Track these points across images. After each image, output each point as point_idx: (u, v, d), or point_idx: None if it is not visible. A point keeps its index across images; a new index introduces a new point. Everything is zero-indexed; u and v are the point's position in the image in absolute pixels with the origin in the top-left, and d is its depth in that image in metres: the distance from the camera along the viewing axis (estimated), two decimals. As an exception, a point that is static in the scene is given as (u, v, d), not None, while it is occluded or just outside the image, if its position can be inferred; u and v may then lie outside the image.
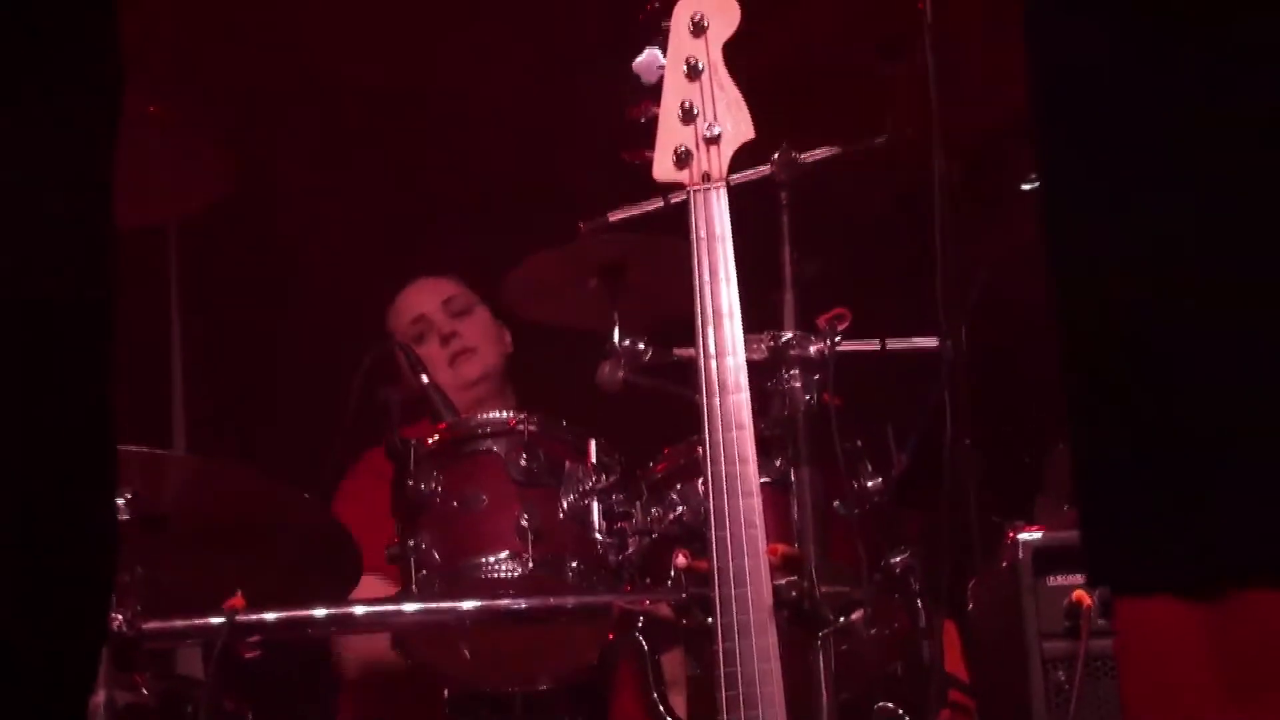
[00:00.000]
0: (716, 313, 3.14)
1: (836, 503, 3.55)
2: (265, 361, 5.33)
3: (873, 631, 3.44)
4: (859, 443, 3.65)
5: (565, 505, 3.61)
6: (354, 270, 5.18)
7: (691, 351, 3.16)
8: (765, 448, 3.42)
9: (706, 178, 3.21)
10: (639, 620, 3.55)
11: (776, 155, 3.63)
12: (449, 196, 5.28)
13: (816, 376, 3.55)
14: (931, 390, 3.53)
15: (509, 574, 3.54)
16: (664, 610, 3.53)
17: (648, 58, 3.23)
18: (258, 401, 5.36)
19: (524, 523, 3.56)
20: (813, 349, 3.57)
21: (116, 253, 1.78)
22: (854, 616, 3.35)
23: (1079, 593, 3.35)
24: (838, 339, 3.57)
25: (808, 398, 3.54)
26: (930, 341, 3.62)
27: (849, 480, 3.57)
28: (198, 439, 5.11)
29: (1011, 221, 3.93)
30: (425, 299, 4.67)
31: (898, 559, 3.56)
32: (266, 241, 5.29)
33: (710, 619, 3.05)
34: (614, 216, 3.82)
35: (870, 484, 3.64)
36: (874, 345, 3.70)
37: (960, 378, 3.48)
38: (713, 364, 3.13)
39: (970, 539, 3.47)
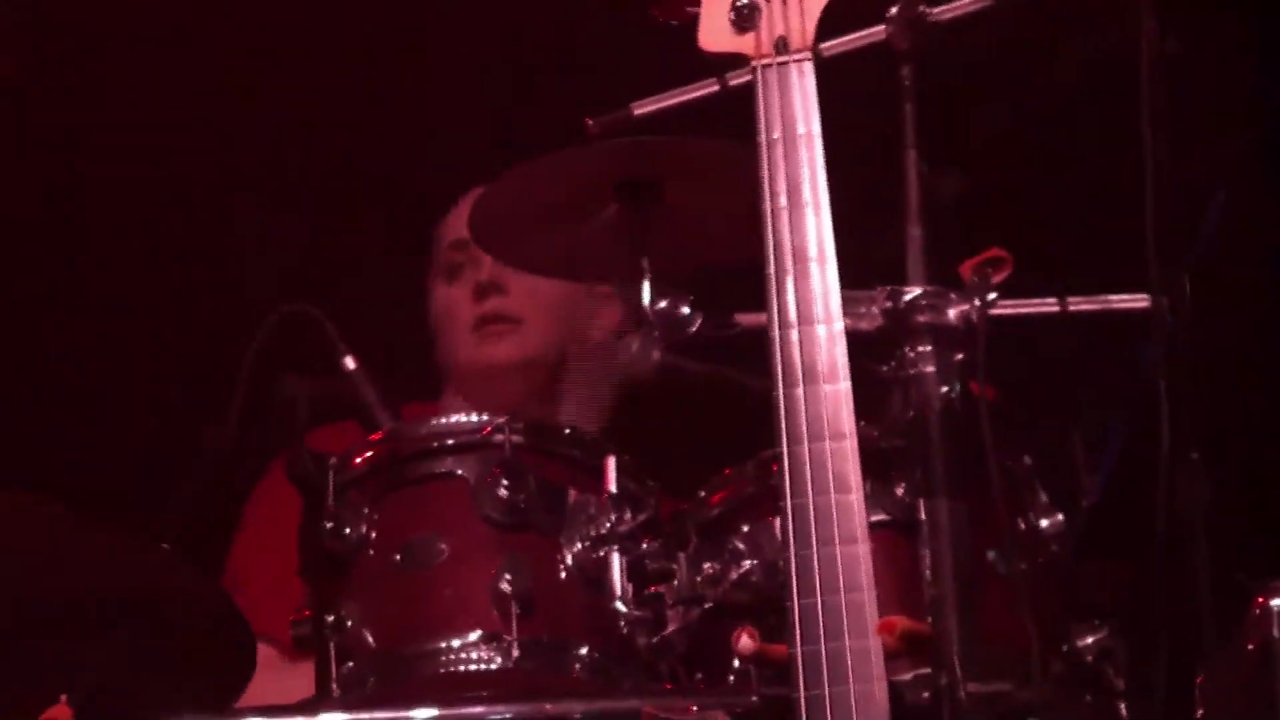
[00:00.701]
0: (800, 257, 2.77)
1: (992, 553, 3.24)
2: (94, 341, 4.69)
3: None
4: (1027, 459, 3.34)
5: (569, 559, 3.22)
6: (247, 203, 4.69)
7: (762, 318, 2.81)
8: (879, 468, 3.16)
9: (783, 46, 2.84)
10: (683, 738, 3.32)
11: (895, 10, 3.23)
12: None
13: (960, 356, 3.15)
14: (1140, 376, 3.15)
15: (483, 666, 3.16)
16: (721, 721, 3.30)
17: None
18: (81, 404, 4.69)
19: (504, 586, 3.16)
20: (953, 313, 3.17)
21: None
22: (1021, 729, 3.20)
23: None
24: (993, 297, 3.15)
25: (946, 389, 3.15)
26: (1137, 301, 3.19)
27: (1012, 518, 3.27)
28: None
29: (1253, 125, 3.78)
30: None
31: (1089, 639, 3.23)
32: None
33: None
34: (640, 109, 3.36)
35: (1045, 524, 3.31)
36: (1049, 307, 3.27)
37: (1184, 356, 3.08)
38: (794, 337, 2.75)
39: (1200, 607, 3.05)
